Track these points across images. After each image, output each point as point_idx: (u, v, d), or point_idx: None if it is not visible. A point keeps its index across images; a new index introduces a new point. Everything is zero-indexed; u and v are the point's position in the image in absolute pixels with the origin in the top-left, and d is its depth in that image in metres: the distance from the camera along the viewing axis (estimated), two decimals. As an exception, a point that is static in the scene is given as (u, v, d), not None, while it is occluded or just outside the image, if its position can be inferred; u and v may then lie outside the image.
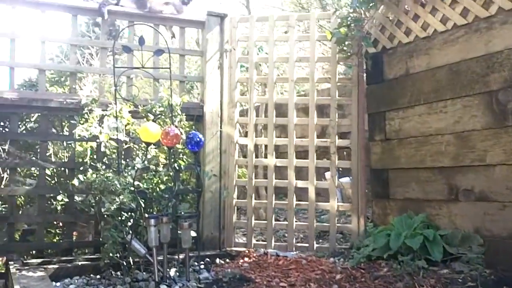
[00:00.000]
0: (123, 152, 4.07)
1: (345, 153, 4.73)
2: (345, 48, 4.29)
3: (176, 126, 3.84)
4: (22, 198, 4.32)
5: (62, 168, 4.42)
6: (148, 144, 3.68)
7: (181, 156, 4.16)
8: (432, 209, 3.77)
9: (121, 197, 3.59)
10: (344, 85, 4.58)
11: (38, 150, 4.37)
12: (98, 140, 3.91)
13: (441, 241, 3.48)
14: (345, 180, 4.84)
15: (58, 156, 4.60)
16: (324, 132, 4.86)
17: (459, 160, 3.56)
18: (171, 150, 3.83)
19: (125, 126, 3.98)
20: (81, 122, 4.03)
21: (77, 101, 4.14)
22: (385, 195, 4.20)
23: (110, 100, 4.10)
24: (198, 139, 3.84)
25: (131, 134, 4.03)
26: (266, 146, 4.97)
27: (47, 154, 4.51)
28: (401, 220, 3.83)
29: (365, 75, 4.40)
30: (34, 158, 4.44)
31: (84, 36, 11.32)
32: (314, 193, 4.45)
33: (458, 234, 3.50)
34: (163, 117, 4.08)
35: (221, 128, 4.62)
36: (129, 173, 3.77)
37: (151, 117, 4.04)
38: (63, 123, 4.58)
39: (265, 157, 4.95)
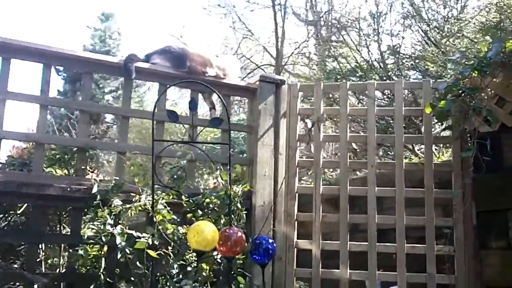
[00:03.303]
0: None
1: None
2: (449, 124, 3.28)
3: (236, 226, 2.67)
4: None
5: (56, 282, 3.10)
6: (199, 253, 2.49)
7: (238, 270, 2.88)
8: None
9: None
10: (440, 173, 3.51)
11: (25, 256, 3.08)
12: (120, 245, 2.67)
13: None
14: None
15: (50, 263, 3.30)
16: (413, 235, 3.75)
17: None
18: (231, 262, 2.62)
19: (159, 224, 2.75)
20: (91, 217, 2.85)
21: (86, 187, 2.95)
22: (514, 327, 3.02)
23: (135, 186, 2.91)
24: (269, 246, 2.69)
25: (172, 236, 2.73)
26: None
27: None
28: None
29: (472, 160, 3.35)
30: (15, 266, 3.14)
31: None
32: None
33: None
34: (211, 212, 2.87)
35: (274, 226, 3.42)
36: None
37: (199, 213, 2.81)
38: (62, 218, 3.32)
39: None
